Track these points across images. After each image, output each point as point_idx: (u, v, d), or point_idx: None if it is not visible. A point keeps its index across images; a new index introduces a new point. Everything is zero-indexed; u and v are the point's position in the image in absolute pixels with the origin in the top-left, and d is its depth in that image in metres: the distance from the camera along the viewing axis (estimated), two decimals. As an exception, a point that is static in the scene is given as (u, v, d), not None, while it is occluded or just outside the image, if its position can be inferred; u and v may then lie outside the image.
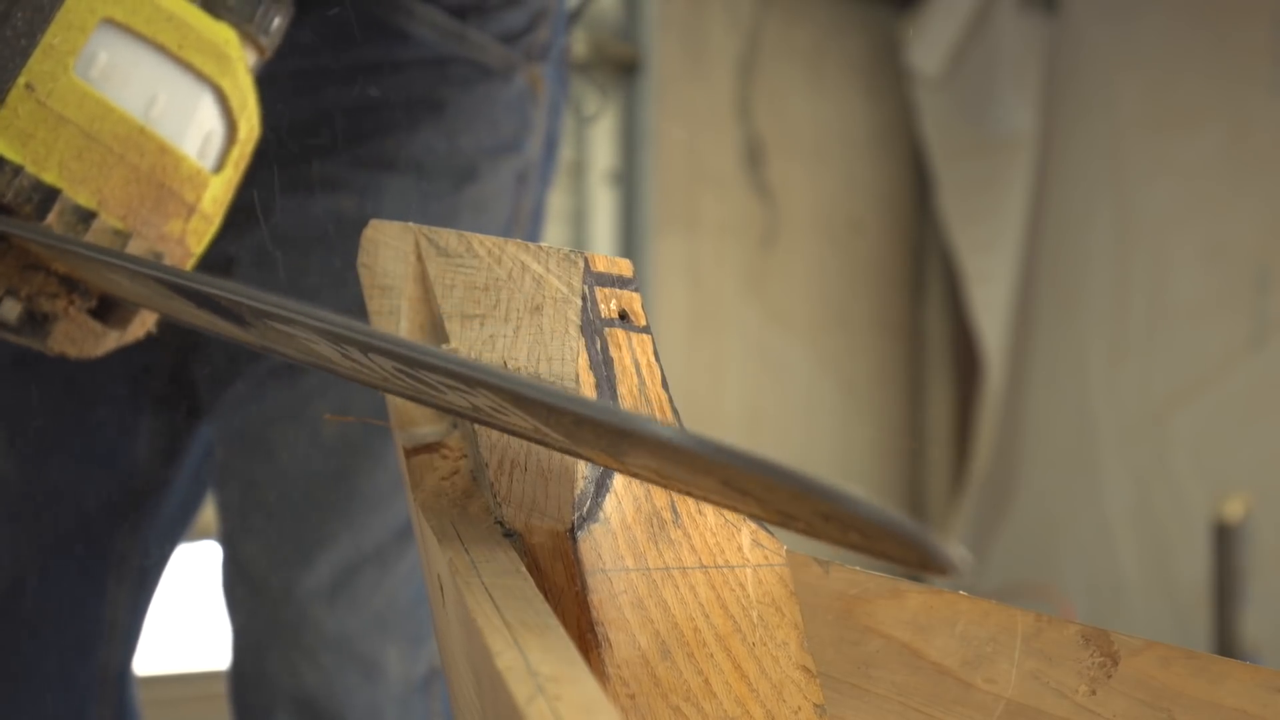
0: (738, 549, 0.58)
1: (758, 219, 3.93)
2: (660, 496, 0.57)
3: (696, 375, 3.79)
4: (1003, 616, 0.56)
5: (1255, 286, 3.70)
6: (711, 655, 0.56)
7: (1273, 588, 3.33)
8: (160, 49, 0.76)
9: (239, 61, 0.78)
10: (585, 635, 0.54)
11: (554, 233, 3.58)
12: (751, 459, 0.40)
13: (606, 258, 0.58)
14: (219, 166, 0.79)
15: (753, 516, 0.46)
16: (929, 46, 3.99)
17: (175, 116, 0.76)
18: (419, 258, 0.62)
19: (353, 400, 1.06)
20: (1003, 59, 3.99)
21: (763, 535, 0.59)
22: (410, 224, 0.63)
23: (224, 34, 0.78)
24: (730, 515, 0.59)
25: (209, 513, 1.20)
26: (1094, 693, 0.53)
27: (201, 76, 0.77)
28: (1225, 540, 3.10)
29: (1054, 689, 0.54)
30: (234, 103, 0.78)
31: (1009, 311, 4.02)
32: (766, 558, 0.59)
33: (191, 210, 0.77)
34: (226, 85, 0.78)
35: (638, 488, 0.57)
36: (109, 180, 0.74)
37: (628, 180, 3.64)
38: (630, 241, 3.61)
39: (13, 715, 1.10)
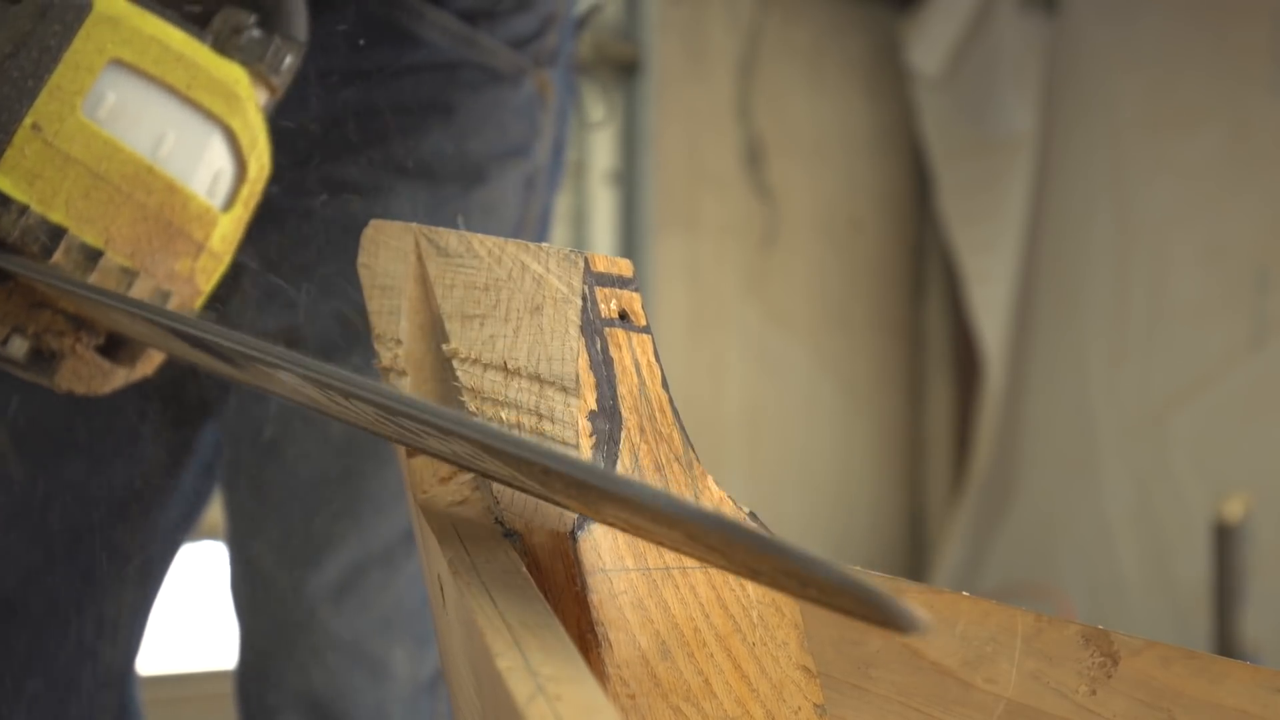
0: (738, 549, 0.58)
1: (758, 219, 3.93)
2: (660, 496, 0.57)
3: (696, 375, 3.79)
4: (1003, 616, 0.56)
5: (1255, 286, 3.70)
6: (711, 655, 0.56)
7: (1273, 588, 3.33)
8: (169, 89, 0.76)
9: (249, 101, 0.78)
10: (585, 635, 0.54)
11: (554, 233, 3.57)
12: (710, 517, 0.41)
13: (606, 258, 0.58)
14: (228, 205, 0.79)
15: (721, 568, 0.48)
16: (929, 46, 3.99)
17: (184, 156, 0.76)
18: (419, 258, 0.62)
19: None
20: (1003, 59, 3.99)
21: (763, 535, 0.59)
22: (410, 224, 0.63)
23: (234, 74, 0.78)
24: (730, 515, 0.59)
25: (214, 512, 1.20)
26: (1094, 693, 0.53)
27: (211, 116, 0.77)
28: (1225, 540, 3.10)
29: (1054, 689, 0.54)
30: (244, 141, 0.78)
31: (1009, 311, 4.02)
32: (766, 558, 0.59)
33: (200, 248, 0.77)
34: (236, 125, 0.77)
35: (638, 488, 0.57)
36: (116, 219, 0.73)
37: (628, 180, 3.64)
38: (630, 241, 3.61)
39: (16, 715, 1.11)
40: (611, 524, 0.51)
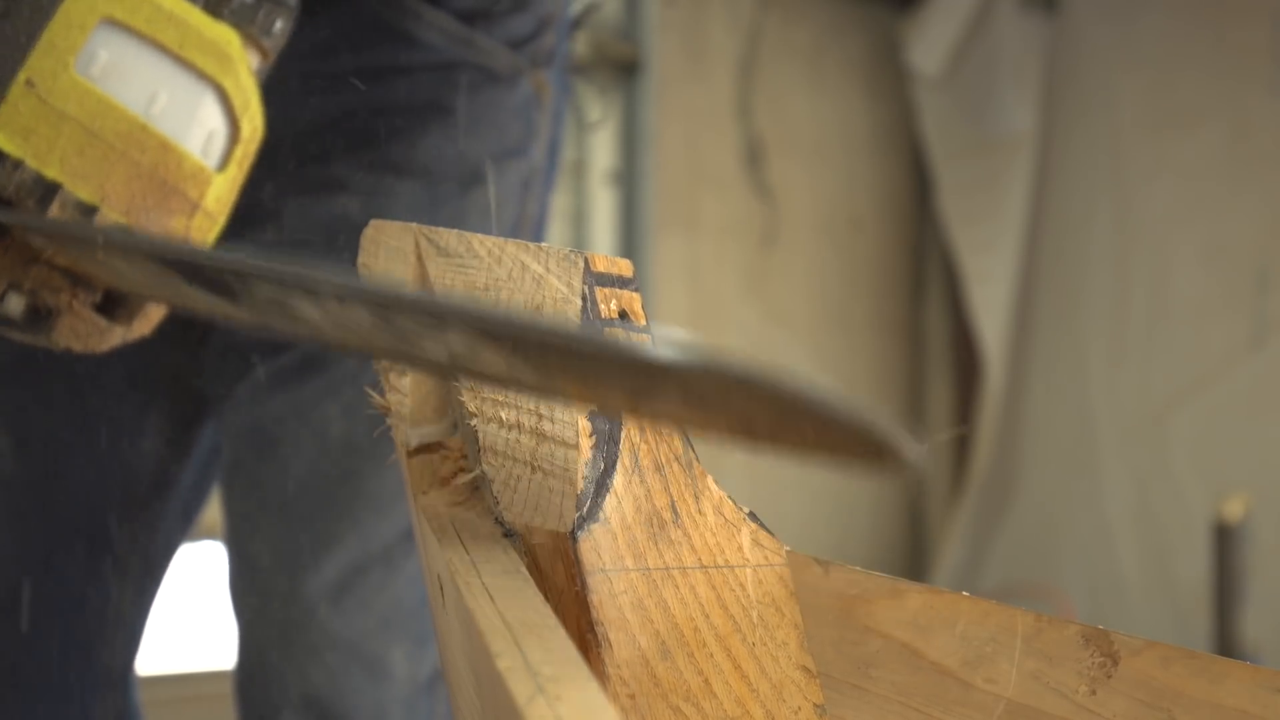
0: (738, 549, 0.58)
1: (758, 219, 3.93)
2: (661, 497, 0.57)
3: (696, 375, 3.78)
4: (1003, 616, 0.56)
5: (1255, 286, 3.70)
6: (711, 655, 0.56)
7: (1273, 588, 3.33)
8: (161, 48, 0.75)
9: (240, 62, 0.78)
10: (585, 635, 0.54)
11: (554, 233, 3.57)
12: (705, 358, 0.39)
13: (606, 258, 0.58)
14: (222, 165, 0.78)
15: (718, 435, 0.46)
16: (929, 46, 3.99)
17: (177, 114, 0.76)
18: (419, 258, 0.62)
19: (360, 400, 1.06)
20: (1003, 59, 3.99)
21: (763, 535, 0.59)
22: (410, 224, 0.63)
23: (225, 35, 0.77)
24: (730, 515, 0.59)
25: (213, 512, 1.20)
26: (1094, 693, 0.53)
27: (203, 76, 0.76)
28: (1225, 540, 3.10)
29: (1054, 689, 0.54)
30: (236, 102, 0.78)
31: (1009, 311, 4.02)
32: (766, 558, 0.59)
33: (195, 207, 0.77)
34: (229, 85, 0.77)
35: (638, 488, 0.57)
36: (111, 176, 0.73)
37: (628, 180, 3.64)
38: (630, 241, 3.61)
39: (17, 714, 1.11)
40: (611, 407, 0.50)
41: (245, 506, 1.10)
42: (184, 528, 1.20)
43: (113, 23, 0.74)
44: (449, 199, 1.07)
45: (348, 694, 1.06)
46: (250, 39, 0.79)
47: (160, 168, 0.75)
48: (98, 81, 0.74)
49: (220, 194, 0.78)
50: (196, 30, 0.76)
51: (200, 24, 0.76)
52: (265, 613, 1.08)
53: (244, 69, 0.78)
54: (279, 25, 0.80)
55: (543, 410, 0.56)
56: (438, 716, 1.11)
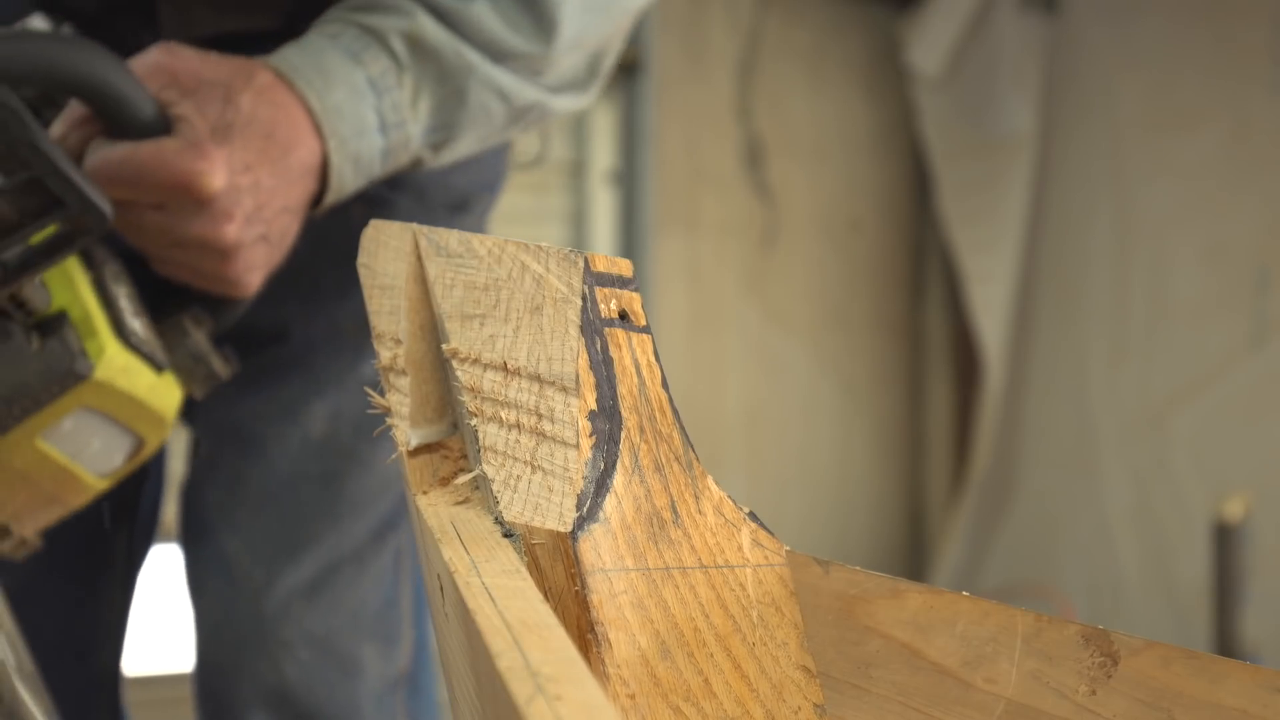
0: (738, 549, 0.58)
1: (758, 219, 3.93)
2: (661, 497, 0.57)
3: (696, 375, 3.79)
4: (1003, 616, 0.56)
5: (1255, 286, 3.70)
6: (711, 655, 0.56)
7: (1273, 588, 3.33)
8: (113, 419, 0.89)
9: (168, 424, 0.91)
10: (585, 635, 0.54)
11: (554, 233, 3.58)
12: None
13: (606, 258, 0.58)
14: (108, 477, 0.91)
15: None
16: (929, 46, 3.99)
17: (97, 454, 0.90)
18: (419, 258, 0.62)
19: (344, 402, 1.07)
20: (1003, 59, 3.99)
21: (763, 535, 0.59)
22: (410, 224, 0.63)
23: (172, 400, 0.90)
24: (730, 515, 0.59)
25: (168, 514, 1.21)
26: (1094, 693, 0.53)
27: (134, 431, 0.90)
28: (1225, 540, 3.10)
29: (1054, 689, 0.54)
30: (148, 446, 0.92)
31: (1009, 311, 4.02)
32: (766, 558, 0.59)
33: (66, 507, 0.92)
34: (150, 437, 0.91)
35: (638, 488, 0.57)
36: (15, 498, 0.89)
37: (628, 180, 3.64)
38: (630, 241, 3.61)
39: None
40: None
41: (223, 504, 1.10)
42: (155, 526, 1.21)
43: (87, 409, 0.87)
44: (438, 223, 1.10)
45: (320, 690, 1.07)
46: (188, 386, 0.94)
47: (58, 488, 0.89)
48: (54, 444, 0.87)
49: (98, 490, 0.92)
50: (150, 408, 0.89)
51: (155, 400, 0.89)
52: (237, 608, 1.09)
53: (169, 425, 0.92)
54: (218, 377, 0.96)
55: (542, 410, 0.56)
56: (403, 715, 1.12)
